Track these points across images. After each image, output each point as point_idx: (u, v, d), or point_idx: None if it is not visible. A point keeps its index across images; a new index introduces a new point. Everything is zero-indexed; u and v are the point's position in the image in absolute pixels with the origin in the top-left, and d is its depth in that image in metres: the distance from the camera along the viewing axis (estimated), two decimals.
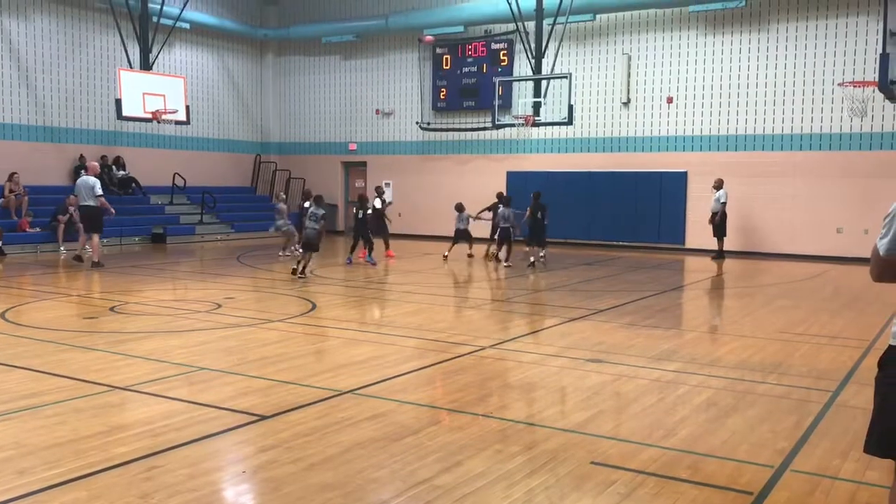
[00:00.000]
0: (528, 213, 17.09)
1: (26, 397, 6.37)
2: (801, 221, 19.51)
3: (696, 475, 4.87)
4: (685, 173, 21.06)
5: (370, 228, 17.31)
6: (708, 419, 6.01)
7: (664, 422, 5.94)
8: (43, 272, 15.92)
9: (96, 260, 15.81)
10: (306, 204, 18.18)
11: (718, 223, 18.84)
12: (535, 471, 4.87)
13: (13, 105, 20.82)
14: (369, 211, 17.44)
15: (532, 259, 16.91)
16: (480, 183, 23.89)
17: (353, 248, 17.63)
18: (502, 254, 17.30)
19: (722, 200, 18.76)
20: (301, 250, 15.19)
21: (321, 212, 14.65)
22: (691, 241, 21.04)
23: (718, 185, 18.94)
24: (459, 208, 18.71)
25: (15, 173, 19.67)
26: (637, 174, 21.49)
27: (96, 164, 17.96)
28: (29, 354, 7.98)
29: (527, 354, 8.35)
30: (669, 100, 21.23)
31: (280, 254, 18.54)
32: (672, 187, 21.18)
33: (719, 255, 18.88)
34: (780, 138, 19.95)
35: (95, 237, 15.97)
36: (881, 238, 3.05)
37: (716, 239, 18.98)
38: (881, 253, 3.05)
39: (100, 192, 15.87)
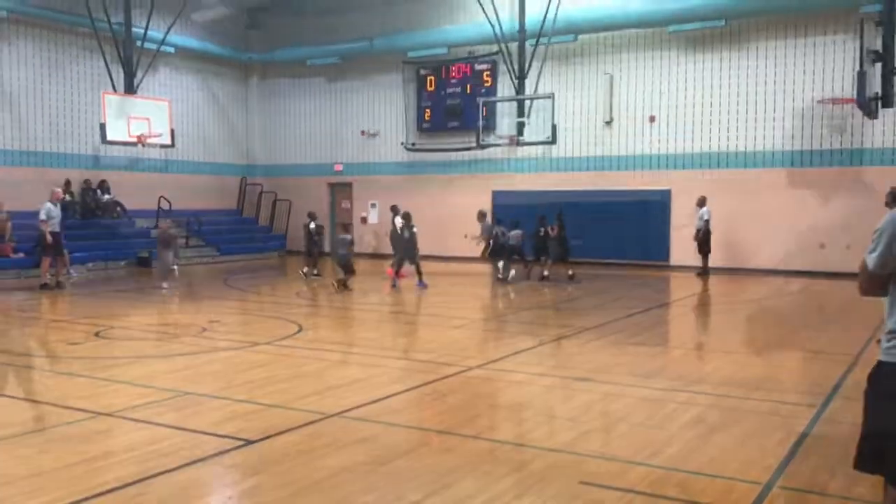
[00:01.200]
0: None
1: (9, 426, 6.30)
2: (785, 237, 19.65)
3: (684, 493, 4.87)
4: (669, 191, 21.19)
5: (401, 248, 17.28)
6: (696, 436, 6.02)
7: (652, 440, 5.94)
8: (26, 298, 15.78)
9: (44, 282, 16.16)
10: (312, 225, 18.90)
11: (703, 240, 18.97)
12: (524, 492, 4.85)
13: None
14: (414, 229, 17.19)
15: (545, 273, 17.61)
16: (466, 202, 23.91)
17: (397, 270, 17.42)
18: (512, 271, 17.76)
19: (705, 218, 18.90)
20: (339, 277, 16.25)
21: (349, 237, 16.59)
22: (676, 257, 21.13)
23: (701, 202, 19.05)
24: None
25: None
26: (621, 192, 21.60)
27: (59, 190, 17.97)
28: (12, 381, 7.90)
29: (514, 374, 8.35)
30: (651, 119, 21.40)
31: (304, 270, 18.94)
32: (656, 205, 21.30)
33: (704, 271, 19.00)
34: (761, 155, 20.13)
35: (44, 261, 16.37)
36: (870, 252, 3.08)
37: (700, 256, 19.12)
38: (869, 267, 3.07)
39: (42, 216, 16.23)
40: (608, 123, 21.95)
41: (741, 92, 20.25)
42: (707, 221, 18.89)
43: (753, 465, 5.37)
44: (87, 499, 4.69)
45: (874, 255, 3.07)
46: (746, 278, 18.96)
